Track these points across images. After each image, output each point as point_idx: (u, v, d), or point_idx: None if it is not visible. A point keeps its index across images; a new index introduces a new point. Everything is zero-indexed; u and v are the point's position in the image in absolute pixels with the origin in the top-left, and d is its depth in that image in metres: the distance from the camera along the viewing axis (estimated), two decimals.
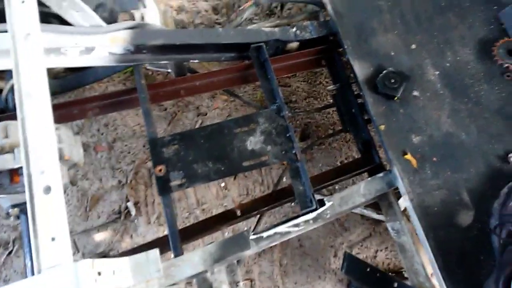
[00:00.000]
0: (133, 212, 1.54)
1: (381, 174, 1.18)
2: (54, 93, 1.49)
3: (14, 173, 1.11)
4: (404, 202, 1.14)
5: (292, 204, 1.56)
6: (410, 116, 1.22)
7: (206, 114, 1.75)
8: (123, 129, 1.69)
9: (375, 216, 1.52)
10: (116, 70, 1.55)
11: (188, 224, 1.28)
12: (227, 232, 1.51)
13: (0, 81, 1.53)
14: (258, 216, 1.33)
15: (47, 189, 0.69)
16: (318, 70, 1.85)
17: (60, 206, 0.68)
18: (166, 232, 1.47)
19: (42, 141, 0.73)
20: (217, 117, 1.73)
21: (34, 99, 0.76)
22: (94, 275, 0.65)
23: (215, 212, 1.56)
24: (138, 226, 1.51)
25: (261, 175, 1.63)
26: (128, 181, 1.59)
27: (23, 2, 0.83)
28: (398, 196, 1.19)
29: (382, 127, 1.20)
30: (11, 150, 1.07)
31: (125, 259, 0.72)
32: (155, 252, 0.75)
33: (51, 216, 0.68)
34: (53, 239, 0.67)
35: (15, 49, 0.80)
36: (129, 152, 1.66)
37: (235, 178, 1.64)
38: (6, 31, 1.03)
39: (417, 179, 1.14)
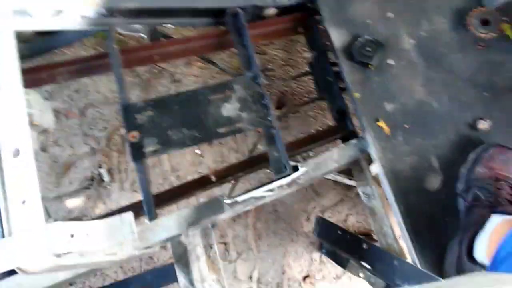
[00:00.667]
0: (106, 178, 1.53)
1: (354, 141, 1.20)
2: (22, 57, 1.44)
3: None
4: (375, 168, 1.17)
5: (267, 170, 1.58)
6: (384, 84, 1.24)
7: (180, 81, 1.72)
8: (95, 95, 1.65)
9: (347, 181, 1.56)
10: (87, 34, 1.50)
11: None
12: (201, 198, 1.52)
13: None
14: (233, 182, 1.34)
15: (16, 152, 0.68)
16: (295, 38, 1.84)
17: (30, 169, 0.67)
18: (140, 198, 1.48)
19: (10, 105, 0.71)
20: (192, 85, 1.71)
21: (2, 63, 0.73)
22: (66, 237, 0.65)
23: (190, 178, 1.57)
24: (111, 192, 1.51)
25: (236, 142, 1.64)
26: (101, 148, 1.57)
27: None
28: (370, 162, 1.22)
29: (357, 94, 1.22)
30: None
31: (99, 221, 0.72)
32: (129, 215, 0.76)
33: (20, 179, 0.67)
34: (23, 202, 0.66)
35: None
36: (101, 119, 1.63)
37: (210, 145, 1.64)
38: None
39: (388, 145, 1.16)
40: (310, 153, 1.58)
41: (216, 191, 1.49)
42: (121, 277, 1.43)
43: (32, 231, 0.64)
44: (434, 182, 1.15)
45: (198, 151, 1.62)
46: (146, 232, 0.94)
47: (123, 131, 1.62)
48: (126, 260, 0.90)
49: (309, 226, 1.53)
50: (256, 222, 1.53)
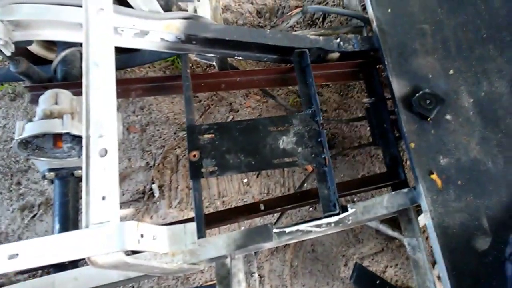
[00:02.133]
0: (156, 194, 1.60)
1: (405, 190, 1.21)
2: None
3: (58, 139, 1.17)
4: (424, 220, 1.17)
5: (310, 209, 1.60)
6: (441, 138, 1.25)
7: (237, 111, 1.80)
8: (157, 114, 1.75)
9: (390, 232, 1.54)
10: (162, 57, 1.61)
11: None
12: (243, 226, 1.55)
13: (50, 52, 1.61)
14: (279, 214, 1.37)
15: (104, 152, 0.75)
16: (351, 84, 1.89)
17: (114, 169, 0.73)
18: (185, 217, 1.52)
19: (103, 107, 0.78)
20: (248, 115, 1.78)
21: (101, 69, 0.82)
22: (137, 236, 0.70)
23: (234, 205, 1.61)
24: (159, 208, 1.57)
25: (283, 176, 1.67)
26: (156, 164, 1.65)
27: None
28: (418, 214, 1.22)
29: (412, 145, 1.23)
30: (59, 116, 1.13)
31: (165, 227, 0.76)
32: (193, 225, 0.80)
33: (104, 177, 0.73)
34: (103, 198, 0.72)
35: (87, 22, 0.86)
36: (160, 137, 1.71)
37: (258, 176, 1.68)
38: (79, 6, 1.11)
39: (440, 199, 1.16)
40: (355, 198, 1.59)
41: (257, 221, 1.52)
42: None
43: (107, 226, 0.69)
44: (483, 243, 1.13)
45: (245, 180, 1.67)
46: (197, 248, 0.98)
47: (178, 151, 1.69)
48: (174, 271, 0.93)
49: (346, 272, 1.52)
50: (293, 259, 1.53)
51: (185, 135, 1.74)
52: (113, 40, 0.85)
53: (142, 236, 0.70)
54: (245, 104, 1.81)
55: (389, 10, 1.43)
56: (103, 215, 0.70)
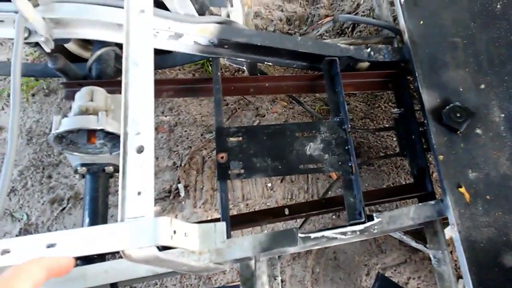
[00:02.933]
0: (182, 193, 1.62)
1: (432, 202, 1.20)
2: None
3: (92, 135, 1.21)
4: (450, 233, 1.16)
5: (334, 216, 1.60)
6: (470, 152, 1.24)
7: (264, 116, 1.81)
8: (186, 115, 1.78)
9: (414, 244, 1.53)
10: (193, 60, 1.64)
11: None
12: (266, 230, 1.56)
13: (85, 51, 1.66)
14: (303, 220, 1.38)
15: (141, 149, 0.77)
16: (379, 94, 1.89)
17: (150, 166, 0.76)
18: (209, 218, 1.54)
19: (141, 106, 0.81)
20: (274, 121, 1.79)
21: (140, 69, 0.84)
22: (170, 232, 0.71)
23: (258, 209, 1.62)
24: (184, 207, 1.59)
25: (307, 183, 1.68)
26: (182, 164, 1.68)
27: None
28: (445, 226, 1.21)
29: (441, 157, 1.22)
30: (94, 113, 1.17)
31: (196, 225, 0.78)
32: (222, 224, 0.82)
33: (140, 173, 0.75)
34: (139, 193, 0.74)
35: (128, 22, 0.89)
36: (187, 138, 1.74)
37: (282, 181, 1.69)
38: (118, 7, 1.15)
39: (467, 213, 1.15)
40: (379, 208, 1.58)
41: (280, 226, 1.53)
42: None
43: (142, 220, 0.71)
44: (511, 259, 1.11)
45: (269, 184, 1.68)
46: (223, 249, 0.99)
47: (204, 152, 1.72)
48: (200, 270, 0.95)
49: (367, 281, 1.51)
50: (315, 265, 1.53)
51: (211, 137, 1.77)
52: (152, 39, 0.87)
53: (174, 232, 0.72)
54: (272, 110, 1.83)
55: (421, 22, 1.43)
56: (138, 210, 0.72)
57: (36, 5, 1.14)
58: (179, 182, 1.64)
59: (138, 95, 0.82)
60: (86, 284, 0.94)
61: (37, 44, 1.23)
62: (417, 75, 1.34)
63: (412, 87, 1.40)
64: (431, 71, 1.35)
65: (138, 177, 0.75)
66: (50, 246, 0.72)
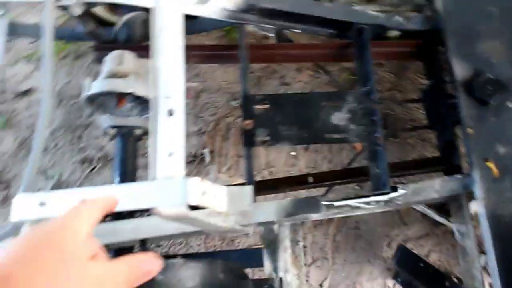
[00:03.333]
0: (207, 158, 1.65)
1: (459, 175, 1.19)
2: None
3: (121, 98, 1.23)
4: (475, 207, 1.15)
5: (356, 187, 1.60)
6: (500, 126, 1.21)
7: (289, 85, 1.81)
8: (211, 82, 1.79)
9: (437, 217, 1.53)
10: (219, 26, 1.63)
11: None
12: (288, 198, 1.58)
13: (113, 15, 1.66)
14: (326, 189, 1.39)
15: (171, 112, 0.78)
16: (406, 64, 1.85)
17: (180, 128, 0.77)
18: (234, 183, 1.57)
19: (171, 70, 0.82)
20: (299, 90, 1.78)
21: (170, 33, 0.85)
22: (200, 192, 0.73)
23: (281, 176, 1.63)
24: (209, 172, 1.62)
25: (331, 153, 1.68)
26: (208, 131, 1.70)
27: None
28: (470, 200, 1.20)
29: (470, 130, 1.20)
30: (124, 76, 1.19)
31: (224, 187, 0.80)
32: (250, 188, 0.84)
33: (171, 135, 0.77)
34: (170, 154, 0.76)
35: None
36: (212, 105, 1.76)
37: (306, 150, 1.69)
38: None
39: (495, 187, 1.14)
40: (403, 180, 1.58)
41: (302, 195, 1.54)
42: (202, 251, 1.53)
43: (173, 180, 0.74)
44: None
45: (293, 153, 1.69)
46: (249, 212, 1.02)
47: (229, 119, 1.73)
48: (226, 231, 0.98)
49: (388, 252, 1.53)
50: (336, 233, 1.55)
51: (237, 105, 1.77)
52: (181, 5, 0.87)
53: (204, 192, 0.74)
54: (297, 79, 1.82)
55: None
56: (169, 170, 0.75)
57: None
58: (205, 148, 1.66)
59: (168, 60, 0.83)
60: (116, 239, 0.99)
61: (66, 8, 1.25)
62: (449, 45, 1.30)
63: (443, 57, 1.37)
64: (464, 42, 1.31)
65: (169, 139, 0.77)
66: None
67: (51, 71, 0.96)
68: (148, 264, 0.49)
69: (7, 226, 0.89)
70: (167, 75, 0.82)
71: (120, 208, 0.70)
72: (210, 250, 1.50)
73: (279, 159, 1.67)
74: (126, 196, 0.73)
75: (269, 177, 1.63)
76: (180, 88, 0.81)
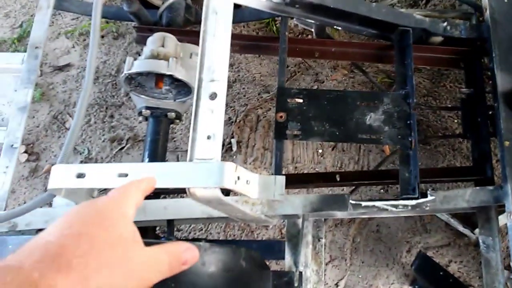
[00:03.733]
0: (234, 148, 1.66)
1: (491, 187, 1.17)
2: (197, 22, 1.62)
3: (160, 79, 1.24)
4: (505, 220, 1.13)
5: (381, 190, 1.59)
6: None
7: (323, 82, 1.80)
8: (245, 73, 1.80)
9: (460, 228, 1.51)
10: (261, 17, 1.63)
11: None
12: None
13: None
14: (351, 189, 1.38)
15: (214, 95, 0.79)
16: (445, 72, 1.82)
17: (221, 112, 0.78)
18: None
19: (217, 54, 0.83)
20: (332, 88, 1.77)
21: (219, 17, 0.85)
22: (235, 177, 0.74)
23: (306, 172, 1.64)
24: (235, 162, 1.62)
25: (359, 154, 1.67)
26: (237, 121, 1.71)
27: None
28: (500, 213, 1.18)
29: (507, 143, 1.18)
30: (165, 58, 1.20)
31: (256, 175, 0.81)
32: (282, 178, 0.84)
33: (211, 118, 0.78)
34: (208, 137, 0.77)
35: None
36: (244, 95, 1.76)
37: (333, 149, 1.69)
38: None
39: None
40: (429, 187, 1.56)
41: (326, 193, 1.54)
42: (222, 239, 1.55)
43: (210, 162, 0.75)
44: None
45: (320, 151, 1.68)
46: (276, 203, 1.02)
47: (260, 111, 1.74)
48: (252, 219, 0.99)
49: (407, 258, 1.52)
50: (356, 235, 1.55)
51: (268, 97, 1.78)
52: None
53: (238, 178, 0.75)
54: (332, 77, 1.81)
55: (506, 1, 1.34)
56: (207, 153, 0.75)
57: None
58: (233, 137, 1.67)
59: (215, 44, 0.84)
60: (145, 217, 1.01)
61: None
62: (494, 55, 1.27)
63: (486, 67, 1.34)
64: (510, 53, 1.28)
65: (209, 122, 0.78)
66: (121, 175, 0.77)
67: (97, 48, 0.98)
68: (188, 253, 0.48)
69: (43, 194, 0.91)
70: (214, 58, 0.82)
71: (160, 185, 0.71)
72: (230, 239, 1.51)
73: (306, 155, 1.67)
74: (163, 174, 0.74)
75: (294, 172, 1.63)
76: (224, 73, 0.82)
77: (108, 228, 0.43)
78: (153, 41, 1.22)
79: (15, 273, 0.35)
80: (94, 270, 0.38)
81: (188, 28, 1.55)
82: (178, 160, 1.68)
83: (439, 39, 1.39)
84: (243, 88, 1.78)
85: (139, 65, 1.16)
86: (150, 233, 1.19)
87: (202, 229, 1.57)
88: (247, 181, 0.78)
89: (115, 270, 0.40)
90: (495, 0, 1.34)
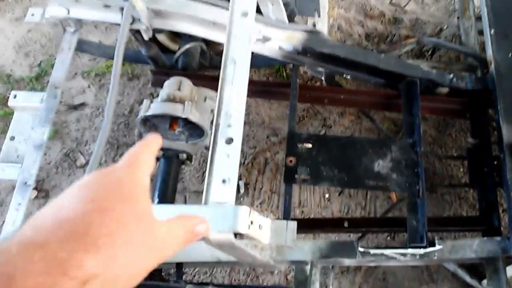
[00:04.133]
0: (241, 190, 1.67)
1: (498, 238, 1.17)
2: (211, 67, 1.68)
3: (174, 122, 1.28)
4: None
5: (388, 238, 1.58)
6: None
7: (331, 127, 1.83)
8: (255, 116, 1.84)
9: (468, 279, 1.49)
10: (272, 63, 1.69)
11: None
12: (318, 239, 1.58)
13: (173, 43, 1.75)
14: (358, 235, 1.38)
15: (230, 140, 0.82)
16: (450, 122, 1.85)
17: (236, 157, 0.81)
18: None
19: (235, 100, 0.86)
20: (340, 133, 1.80)
21: (237, 66, 0.90)
22: (248, 222, 0.76)
23: (312, 217, 1.64)
24: (242, 204, 1.63)
25: (366, 200, 1.68)
26: (246, 163, 1.73)
27: None
28: (507, 264, 1.17)
29: None
30: (180, 101, 1.24)
31: (269, 220, 0.82)
32: (294, 223, 0.85)
33: (227, 162, 0.80)
34: (223, 181, 0.79)
35: (232, 23, 0.95)
36: (253, 138, 1.80)
37: (340, 194, 1.70)
38: (216, 5, 1.22)
39: None
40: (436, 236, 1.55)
41: (332, 238, 1.54)
42: (226, 283, 1.53)
43: (224, 206, 0.76)
44: None
45: (326, 195, 1.69)
46: (285, 248, 1.03)
47: (268, 154, 1.76)
48: (261, 264, 0.99)
49: None
50: (363, 283, 1.53)
51: (276, 141, 1.81)
52: (250, 40, 0.93)
53: (251, 222, 0.76)
54: (339, 122, 1.84)
55: (510, 55, 1.40)
56: (222, 196, 0.77)
57: None
58: (240, 179, 1.69)
59: (233, 90, 0.87)
60: None
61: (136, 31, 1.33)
62: (499, 107, 1.31)
63: (491, 118, 1.38)
64: None
65: (225, 166, 0.80)
66: None
67: (117, 88, 1.02)
68: (201, 227, 0.47)
69: None
70: (231, 105, 0.86)
71: None
72: (234, 283, 1.49)
73: (313, 200, 1.68)
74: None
75: (300, 217, 1.63)
76: (241, 119, 0.85)
77: (131, 202, 0.41)
78: (169, 85, 1.27)
79: (43, 252, 0.34)
80: (121, 248, 0.37)
81: (202, 73, 1.61)
82: (185, 201, 1.69)
83: (445, 89, 1.44)
84: (252, 131, 1.81)
85: (156, 108, 1.20)
86: (156, 275, 1.19)
87: (206, 273, 1.55)
88: (259, 225, 0.79)
89: (140, 247, 0.39)
90: (499, 54, 1.39)
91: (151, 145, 0.50)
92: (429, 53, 2.00)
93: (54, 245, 0.34)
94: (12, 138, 1.31)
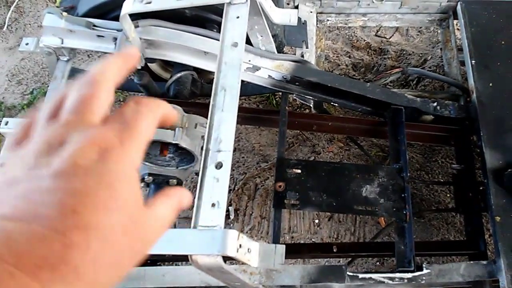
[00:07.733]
0: (231, 216, 1.68)
1: (484, 262, 1.19)
2: (202, 95, 1.72)
3: (165, 148, 1.30)
4: None
5: (377, 263, 1.59)
6: None
7: (319, 154, 1.86)
8: (245, 142, 1.86)
9: None
10: (262, 92, 1.73)
11: None
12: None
13: (165, 72, 1.79)
14: (349, 260, 1.39)
15: (219, 165, 0.84)
16: (436, 148, 1.89)
17: (225, 181, 0.82)
18: None
19: (224, 127, 0.89)
20: (329, 160, 1.83)
21: (227, 94, 0.93)
22: (237, 245, 0.77)
23: (302, 242, 1.65)
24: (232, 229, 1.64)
25: (355, 225, 1.69)
26: (236, 188, 1.74)
27: (237, 17, 1.02)
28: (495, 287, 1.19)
29: (498, 218, 1.22)
30: (171, 128, 1.27)
31: (257, 244, 0.83)
32: (282, 247, 0.86)
33: (216, 187, 0.82)
34: (213, 205, 0.80)
35: (222, 53, 0.98)
36: (243, 164, 1.82)
37: (329, 219, 1.71)
38: (206, 36, 1.26)
39: None
40: (424, 261, 1.56)
41: (321, 263, 1.54)
42: None
43: (213, 230, 0.78)
44: None
45: (316, 221, 1.71)
46: (274, 272, 1.03)
47: (258, 180, 1.78)
48: None
49: None
50: None
51: (266, 167, 1.83)
52: (240, 69, 0.96)
53: (240, 246, 0.77)
54: (328, 149, 1.88)
55: (491, 85, 1.45)
56: (211, 220, 0.79)
57: (136, 26, 1.27)
58: (230, 205, 1.70)
59: (223, 117, 0.90)
60: (144, 285, 1.01)
61: None
62: (482, 134, 1.35)
63: (475, 145, 1.41)
64: (497, 133, 1.36)
65: (214, 190, 0.82)
66: None
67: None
68: (184, 200, 0.42)
69: None
70: (221, 131, 0.88)
71: (160, 251, 0.73)
72: None
73: (302, 225, 1.69)
74: (167, 241, 0.77)
75: (290, 242, 1.64)
76: (230, 144, 0.87)
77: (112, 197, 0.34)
78: None
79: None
80: (105, 272, 0.32)
81: (193, 100, 1.64)
82: (175, 226, 1.69)
83: (430, 117, 1.48)
84: (242, 157, 1.84)
85: None
86: None
87: None
88: (248, 249, 0.80)
89: (130, 256, 0.35)
90: (480, 84, 1.45)
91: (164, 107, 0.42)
92: (414, 82, 2.06)
93: (25, 273, 0.28)
94: (2, 165, 1.32)
